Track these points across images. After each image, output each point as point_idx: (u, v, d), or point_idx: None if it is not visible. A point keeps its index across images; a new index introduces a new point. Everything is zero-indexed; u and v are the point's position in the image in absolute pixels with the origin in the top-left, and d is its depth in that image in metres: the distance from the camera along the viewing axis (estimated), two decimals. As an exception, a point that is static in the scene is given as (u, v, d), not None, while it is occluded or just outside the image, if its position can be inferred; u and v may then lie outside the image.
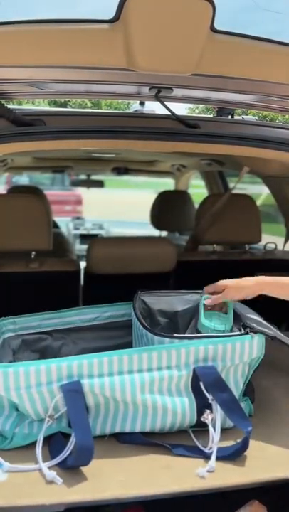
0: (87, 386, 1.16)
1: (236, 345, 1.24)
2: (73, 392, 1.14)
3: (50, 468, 1.09)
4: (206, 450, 1.17)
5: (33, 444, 1.16)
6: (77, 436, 1.10)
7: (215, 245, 2.39)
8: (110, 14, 1.09)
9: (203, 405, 1.22)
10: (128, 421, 1.21)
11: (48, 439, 1.18)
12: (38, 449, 1.13)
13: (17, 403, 1.17)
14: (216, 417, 1.20)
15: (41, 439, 1.15)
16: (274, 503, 1.27)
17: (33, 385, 1.15)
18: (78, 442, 1.09)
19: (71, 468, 1.10)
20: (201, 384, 1.21)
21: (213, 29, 1.12)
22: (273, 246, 2.46)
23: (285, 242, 2.55)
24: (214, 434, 1.17)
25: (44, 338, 1.56)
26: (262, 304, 1.40)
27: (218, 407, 1.21)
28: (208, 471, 1.09)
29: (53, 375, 1.15)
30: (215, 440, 1.16)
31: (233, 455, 1.16)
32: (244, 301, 1.52)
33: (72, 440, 1.11)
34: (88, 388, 1.16)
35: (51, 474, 1.06)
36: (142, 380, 1.19)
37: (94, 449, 1.09)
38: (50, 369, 1.15)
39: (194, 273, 2.24)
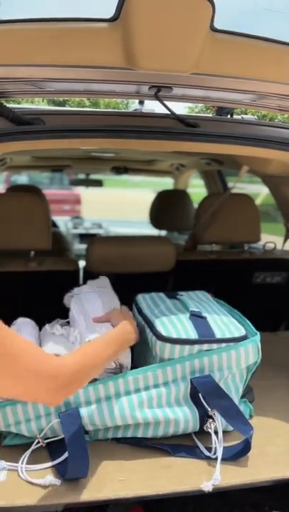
0: (86, 416, 1.16)
1: (232, 354, 1.24)
2: (71, 417, 1.14)
3: (49, 469, 1.09)
4: (211, 455, 1.17)
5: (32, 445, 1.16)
6: (71, 459, 1.08)
7: (214, 245, 2.39)
8: (110, 13, 1.09)
9: (205, 413, 1.21)
10: (130, 431, 1.21)
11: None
12: (24, 456, 1.13)
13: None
14: (218, 425, 1.20)
15: (27, 456, 1.14)
16: (274, 503, 1.27)
17: (32, 418, 1.16)
18: (72, 464, 1.08)
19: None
20: (200, 394, 1.21)
21: (212, 28, 1.12)
22: (272, 245, 2.46)
23: (285, 242, 2.55)
24: (218, 443, 1.17)
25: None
26: (262, 305, 1.40)
27: (219, 414, 1.20)
28: (213, 485, 1.08)
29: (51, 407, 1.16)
30: (219, 450, 1.16)
31: (234, 457, 1.16)
32: (242, 303, 1.52)
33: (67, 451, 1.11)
34: (88, 419, 1.16)
35: (48, 478, 1.05)
36: (140, 399, 1.19)
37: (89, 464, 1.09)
38: None
39: (193, 272, 2.24)
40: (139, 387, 1.20)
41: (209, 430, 1.19)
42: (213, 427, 1.19)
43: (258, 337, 1.27)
